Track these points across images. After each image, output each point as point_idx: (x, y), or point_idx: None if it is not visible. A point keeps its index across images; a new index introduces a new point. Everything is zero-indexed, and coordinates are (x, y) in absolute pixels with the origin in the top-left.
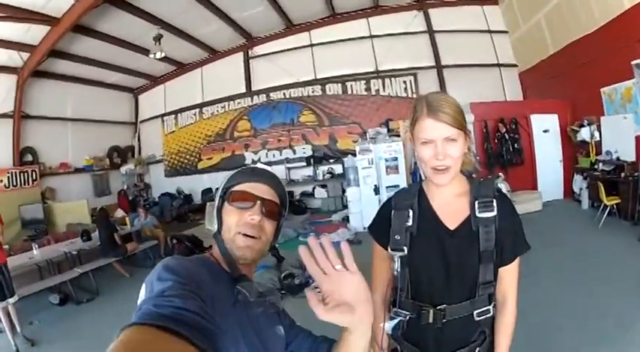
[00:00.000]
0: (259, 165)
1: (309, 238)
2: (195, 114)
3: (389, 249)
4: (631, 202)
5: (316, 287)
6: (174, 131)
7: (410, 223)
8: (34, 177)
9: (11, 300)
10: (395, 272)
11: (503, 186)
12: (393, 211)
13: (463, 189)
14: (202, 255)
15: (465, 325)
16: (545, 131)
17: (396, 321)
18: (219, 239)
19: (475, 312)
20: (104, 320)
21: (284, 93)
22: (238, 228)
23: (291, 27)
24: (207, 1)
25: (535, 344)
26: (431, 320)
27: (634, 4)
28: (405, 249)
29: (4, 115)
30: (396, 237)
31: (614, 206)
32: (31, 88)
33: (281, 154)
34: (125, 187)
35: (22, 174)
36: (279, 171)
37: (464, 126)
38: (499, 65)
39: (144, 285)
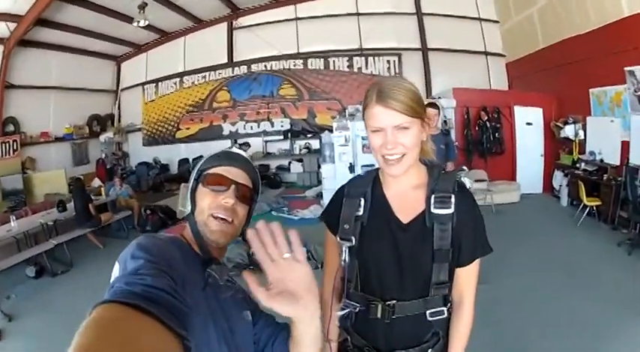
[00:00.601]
0: (234, 149)
1: (258, 222)
2: (175, 84)
3: (337, 238)
4: (612, 206)
5: None
6: (154, 100)
7: (361, 212)
8: (14, 148)
9: None
10: (342, 263)
11: (467, 181)
12: (344, 198)
13: (421, 181)
14: (174, 235)
15: (416, 324)
16: (528, 123)
17: (344, 312)
18: (192, 220)
19: (428, 312)
20: (78, 292)
21: (265, 66)
22: (211, 210)
23: (277, 0)
24: None
25: (497, 345)
26: (379, 315)
27: (633, 14)
28: (354, 239)
29: None
30: (345, 225)
31: (594, 207)
32: (15, 58)
33: (259, 127)
34: (103, 156)
35: (3, 144)
36: (256, 143)
37: (419, 114)
38: (486, 53)
39: (117, 263)
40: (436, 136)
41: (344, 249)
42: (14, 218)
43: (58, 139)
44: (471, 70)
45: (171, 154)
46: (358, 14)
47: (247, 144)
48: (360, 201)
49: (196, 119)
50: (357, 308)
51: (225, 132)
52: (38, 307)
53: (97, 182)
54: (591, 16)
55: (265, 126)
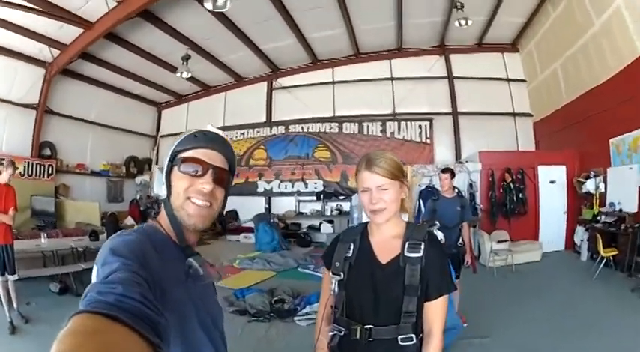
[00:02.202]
0: (210, 128)
1: None
2: None
3: (330, 273)
4: (628, 254)
5: (307, 313)
6: None
7: (350, 254)
8: (50, 171)
9: (11, 277)
10: (331, 293)
11: (439, 234)
12: (339, 243)
13: (399, 232)
14: (150, 223)
15: (390, 347)
16: (551, 182)
17: (332, 334)
18: (168, 206)
19: (399, 337)
20: None
21: (302, 127)
22: (188, 194)
23: (316, 62)
24: (238, 30)
25: None
26: (358, 337)
27: None
28: (342, 274)
29: (28, 106)
30: (336, 263)
31: (612, 258)
32: (58, 85)
33: (293, 186)
34: (138, 197)
35: (38, 165)
36: (289, 202)
37: (398, 177)
38: (514, 114)
39: (94, 267)
40: (451, 200)
41: (334, 281)
42: (45, 236)
43: (94, 173)
44: (500, 131)
45: None
46: (392, 79)
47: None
48: (351, 245)
49: None
50: (342, 332)
51: (260, 190)
52: (55, 317)
53: (130, 220)
54: (609, 61)
55: (299, 186)
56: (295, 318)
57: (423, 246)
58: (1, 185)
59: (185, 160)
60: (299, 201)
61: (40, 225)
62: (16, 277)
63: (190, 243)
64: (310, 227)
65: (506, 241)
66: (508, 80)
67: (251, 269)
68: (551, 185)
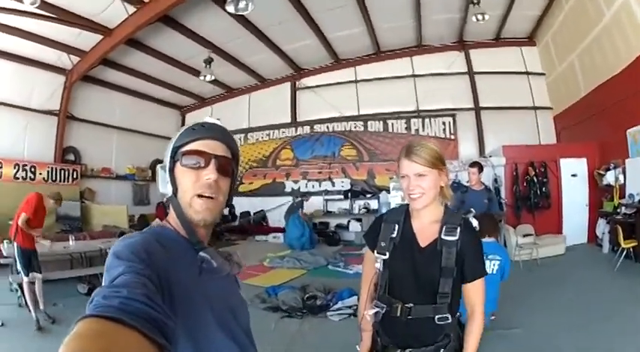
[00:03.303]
0: (207, 119)
1: None
2: (240, 139)
3: (375, 252)
4: None
5: (339, 309)
6: None
7: (394, 235)
8: (74, 176)
9: (38, 275)
10: (377, 271)
11: (474, 221)
12: (383, 224)
13: (438, 217)
14: (159, 223)
15: (428, 325)
16: (573, 175)
17: (375, 310)
18: (175, 202)
19: (436, 317)
20: None
21: (327, 126)
22: (195, 190)
23: (338, 61)
24: (259, 32)
25: None
26: (399, 314)
27: None
28: (387, 254)
29: (49, 112)
30: (381, 243)
31: (632, 249)
32: (79, 92)
33: (320, 186)
34: (164, 200)
35: (62, 171)
36: (317, 201)
37: (436, 165)
38: (535, 108)
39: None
40: (479, 192)
41: (379, 260)
42: (73, 238)
43: (119, 177)
44: (521, 125)
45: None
46: (414, 76)
47: (307, 195)
48: (395, 226)
49: (259, 175)
50: (384, 309)
51: (288, 190)
52: None
53: (157, 222)
54: (622, 52)
55: (326, 185)
56: (328, 314)
57: (458, 231)
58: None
59: (186, 153)
60: (327, 200)
61: (65, 230)
62: (41, 276)
63: (201, 238)
64: (338, 225)
65: (531, 235)
66: (527, 74)
67: (282, 268)
68: (573, 178)
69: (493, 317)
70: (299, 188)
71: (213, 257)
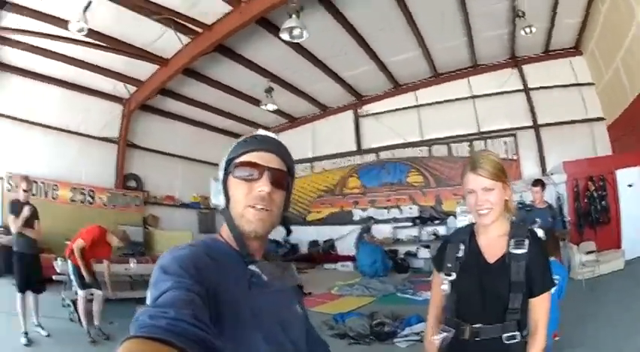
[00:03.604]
0: (261, 132)
1: None
2: (306, 168)
3: (442, 274)
4: None
5: (406, 335)
6: None
7: (460, 254)
8: (137, 203)
9: (98, 292)
10: (444, 293)
11: (540, 232)
12: (448, 244)
13: (504, 231)
14: (211, 236)
15: (495, 346)
16: (629, 185)
17: (442, 335)
18: (227, 214)
19: (504, 336)
20: None
21: (392, 153)
22: (248, 201)
23: (397, 87)
24: (316, 60)
25: None
26: (467, 337)
27: None
28: (454, 274)
29: (107, 140)
30: (448, 264)
31: None
32: (139, 120)
33: (388, 213)
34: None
35: (122, 196)
36: (385, 229)
37: (501, 178)
38: (589, 120)
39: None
40: (543, 210)
41: (446, 282)
42: (135, 261)
43: (183, 205)
44: (579, 139)
45: (300, 235)
46: (473, 97)
47: (371, 219)
48: (460, 245)
49: (327, 203)
50: (451, 332)
51: (356, 218)
52: None
53: (209, 235)
54: None
55: (395, 212)
56: (395, 340)
57: (526, 243)
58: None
59: (239, 165)
60: (395, 228)
61: (127, 253)
62: (100, 292)
63: (253, 251)
64: (407, 253)
65: (593, 252)
66: (578, 85)
67: (350, 296)
68: (629, 188)
69: (556, 338)
70: (367, 216)
71: (264, 270)
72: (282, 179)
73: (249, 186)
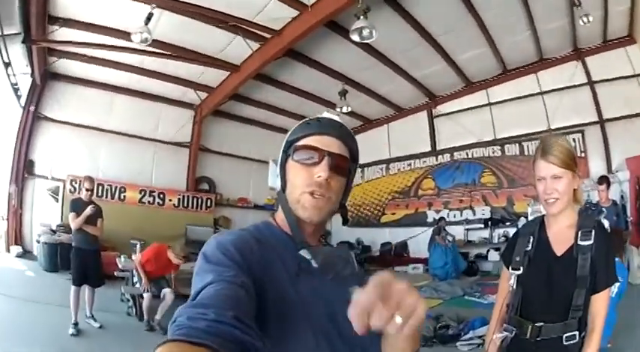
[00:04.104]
0: (325, 114)
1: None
2: (382, 170)
3: (510, 268)
4: None
5: (470, 338)
6: (360, 184)
7: (529, 248)
8: (208, 204)
9: (168, 289)
10: (510, 288)
11: (606, 222)
12: (518, 238)
13: (573, 221)
14: (264, 222)
15: (555, 347)
16: None
17: (503, 335)
18: (282, 198)
19: (564, 336)
20: None
21: (467, 153)
22: (305, 187)
23: (469, 85)
24: (388, 60)
25: None
26: (528, 336)
27: None
28: (521, 268)
29: (179, 144)
30: (516, 258)
31: None
32: (211, 125)
33: (461, 215)
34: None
35: (194, 198)
36: (457, 231)
37: (571, 167)
38: None
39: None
40: (608, 208)
41: (513, 276)
42: None
43: (257, 207)
44: None
45: (373, 236)
46: (542, 93)
47: (442, 220)
48: (530, 238)
49: (402, 205)
50: (513, 332)
51: (429, 220)
52: None
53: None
54: None
55: (467, 214)
56: (458, 344)
57: (593, 234)
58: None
59: (298, 148)
60: (467, 230)
61: (194, 252)
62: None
63: (307, 237)
64: (477, 256)
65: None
66: (637, 76)
67: None
68: None
69: (609, 345)
70: (441, 217)
71: (315, 257)
72: (343, 165)
73: (307, 170)
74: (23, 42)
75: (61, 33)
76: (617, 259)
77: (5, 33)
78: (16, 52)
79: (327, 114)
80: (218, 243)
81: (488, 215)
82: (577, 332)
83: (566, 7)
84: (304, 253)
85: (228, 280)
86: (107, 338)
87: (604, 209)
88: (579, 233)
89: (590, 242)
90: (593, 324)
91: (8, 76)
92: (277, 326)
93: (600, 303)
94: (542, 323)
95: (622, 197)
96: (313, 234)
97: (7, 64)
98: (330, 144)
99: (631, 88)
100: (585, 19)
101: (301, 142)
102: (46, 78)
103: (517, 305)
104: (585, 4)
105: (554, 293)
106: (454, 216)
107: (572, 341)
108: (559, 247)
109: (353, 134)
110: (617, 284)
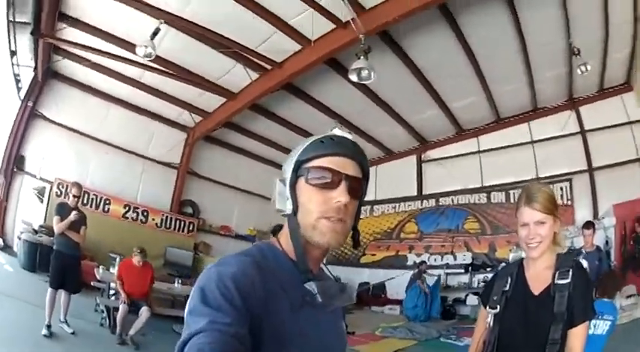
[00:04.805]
0: (337, 131)
1: None
2: (365, 211)
3: (487, 308)
4: None
5: None
6: None
7: (507, 288)
8: (190, 228)
9: (145, 307)
10: (487, 327)
11: (584, 262)
12: (496, 279)
13: (551, 263)
14: (268, 241)
15: None
16: None
17: None
18: (293, 222)
19: None
20: None
21: (452, 199)
22: (322, 213)
23: (461, 132)
24: (383, 103)
25: None
26: None
27: None
28: (499, 307)
29: (168, 165)
30: (494, 297)
31: None
32: (202, 150)
33: (442, 259)
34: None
35: (177, 221)
36: (437, 275)
37: (552, 211)
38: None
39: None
40: (592, 253)
41: (490, 315)
42: (179, 281)
43: (239, 236)
44: (631, 180)
45: (351, 275)
46: (532, 142)
47: (423, 263)
48: (508, 279)
49: (383, 247)
50: None
51: (409, 263)
52: None
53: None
54: None
55: (448, 258)
56: None
57: (570, 273)
58: None
59: (313, 170)
60: (447, 274)
61: (172, 274)
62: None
63: (312, 263)
64: (455, 300)
65: (633, 295)
66: (630, 123)
67: (393, 338)
68: None
69: None
70: (422, 261)
71: (319, 291)
72: (359, 187)
73: (323, 194)
74: (32, 33)
75: (69, 32)
76: (610, 301)
77: (17, 20)
78: (23, 43)
79: (338, 130)
80: (218, 277)
81: (469, 260)
82: None
83: (564, 56)
84: (310, 286)
85: (222, 329)
86: (78, 344)
87: (584, 251)
88: (557, 273)
89: (568, 280)
90: None
91: (12, 65)
92: None
93: (577, 338)
94: None
95: (607, 242)
96: (319, 258)
97: (13, 53)
98: (345, 165)
99: (622, 136)
100: (583, 68)
101: (315, 163)
102: (47, 75)
103: (494, 341)
104: (584, 52)
105: (531, 329)
106: (435, 260)
107: None
108: (537, 286)
109: (364, 151)
110: (607, 323)
